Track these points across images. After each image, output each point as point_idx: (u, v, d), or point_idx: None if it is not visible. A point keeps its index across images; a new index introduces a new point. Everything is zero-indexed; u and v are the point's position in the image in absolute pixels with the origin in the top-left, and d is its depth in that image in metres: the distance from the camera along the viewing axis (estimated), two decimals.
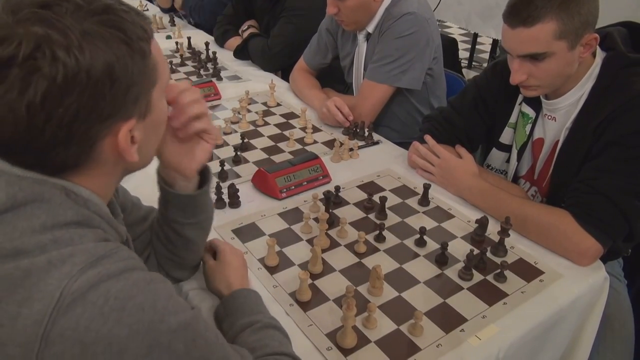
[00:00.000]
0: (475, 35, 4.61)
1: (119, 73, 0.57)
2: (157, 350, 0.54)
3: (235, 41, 2.37)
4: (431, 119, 1.48)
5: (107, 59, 0.56)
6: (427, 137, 1.42)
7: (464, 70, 4.20)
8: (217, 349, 0.60)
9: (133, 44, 0.58)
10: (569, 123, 1.23)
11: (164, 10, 2.98)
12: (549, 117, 1.30)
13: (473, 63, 4.69)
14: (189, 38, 2.41)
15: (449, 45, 2.72)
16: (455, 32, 5.65)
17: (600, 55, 1.21)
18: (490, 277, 1.06)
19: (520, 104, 1.37)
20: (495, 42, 4.38)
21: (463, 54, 4.74)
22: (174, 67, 2.15)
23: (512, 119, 1.39)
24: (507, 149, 1.43)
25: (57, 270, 0.53)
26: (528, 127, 1.35)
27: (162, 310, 0.56)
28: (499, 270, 1.05)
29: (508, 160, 1.44)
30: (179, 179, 0.85)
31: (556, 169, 1.28)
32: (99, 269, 0.55)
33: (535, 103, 1.33)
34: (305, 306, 0.98)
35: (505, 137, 1.42)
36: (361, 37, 1.81)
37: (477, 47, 4.81)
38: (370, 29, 1.76)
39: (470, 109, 1.43)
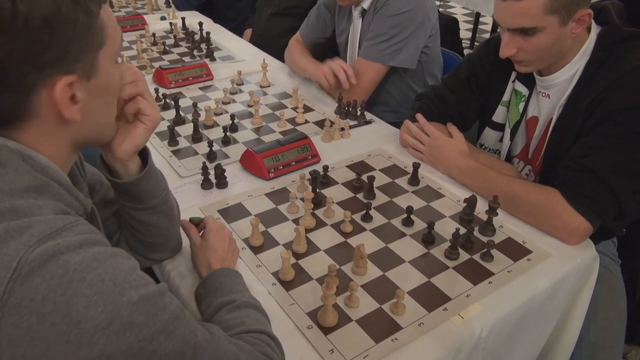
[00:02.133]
0: (478, 15, 4.53)
1: (59, 25, 0.57)
2: (117, 322, 0.53)
3: None
4: (423, 97, 1.46)
5: (48, 8, 0.56)
6: (419, 116, 1.39)
7: (466, 51, 4.13)
8: (182, 324, 0.59)
9: (80, 0, 0.59)
10: (563, 100, 1.20)
11: None
12: (543, 95, 1.27)
13: (475, 43, 4.61)
14: (183, 19, 2.38)
15: (450, 24, 2.65)
16: (458, 11, 5.56)
17: (595, 30, 1.17)
18: (476, 257, 1.05)
19: (513, 81, 1.34)
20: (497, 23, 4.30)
21: (465, 34, 4.67)
22: (167, 47, 2.13)
23: (505, 97, 1.36)
24: (500, 127, 1.40)
25: (14, 241, 0.52)
26: (521, 106, 1.32)
27: (122, 283, 0.55)
28: (485, 250, 1.04)
29: (501, 140, 1.41)
30: (111, 159, 0.81)
31: (549, 147, 1.25)
32: (57, 240, 0.54)
33: (528, 80, 1.30)
34: (287, 285, 0.97)
35: (499, 115, 1.39)
36: (356, 13, 1.78)
37: (479, 27, 4.73)
38: (365, 5, 1.73)
39: (463, 87, 1.40)
